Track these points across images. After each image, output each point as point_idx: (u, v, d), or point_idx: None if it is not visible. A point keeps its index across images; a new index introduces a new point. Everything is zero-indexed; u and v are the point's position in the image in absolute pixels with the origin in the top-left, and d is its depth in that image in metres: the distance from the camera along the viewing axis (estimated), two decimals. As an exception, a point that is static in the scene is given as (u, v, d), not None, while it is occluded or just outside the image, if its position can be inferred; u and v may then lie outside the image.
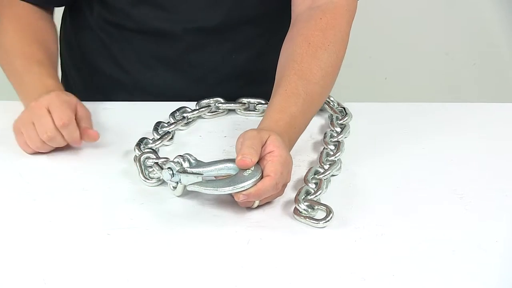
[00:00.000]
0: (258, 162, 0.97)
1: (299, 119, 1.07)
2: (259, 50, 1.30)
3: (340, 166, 1.07)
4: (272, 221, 0.97)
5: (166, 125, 1.16)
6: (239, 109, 1.24)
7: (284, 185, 1.00)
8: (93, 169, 1.08)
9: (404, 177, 1.07)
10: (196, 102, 1.23)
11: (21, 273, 0.86)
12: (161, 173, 0.99)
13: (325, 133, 1.14)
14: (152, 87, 1.31)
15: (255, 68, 1.31)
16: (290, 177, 1.00)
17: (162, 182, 1.03)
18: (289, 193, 1.01)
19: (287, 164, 0.97)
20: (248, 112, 1.24)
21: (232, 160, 0.97)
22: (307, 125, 1.10)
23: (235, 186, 0.94)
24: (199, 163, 0.99)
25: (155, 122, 1.16)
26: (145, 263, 0.88)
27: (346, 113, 1.20)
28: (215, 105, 1.23)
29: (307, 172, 1.04)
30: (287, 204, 1.00)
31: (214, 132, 1.19)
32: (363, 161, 1.10)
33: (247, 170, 0.95)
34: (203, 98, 1.24)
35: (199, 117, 1.22)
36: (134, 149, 1.09)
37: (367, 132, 1.19)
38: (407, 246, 0.92)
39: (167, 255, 0.90)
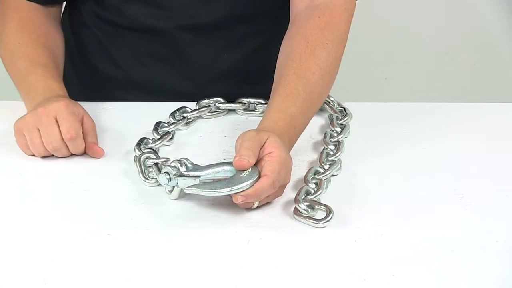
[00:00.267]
0: (256, 163, 0.96)
1: (299, 119, 1.07)
2: (252, 49, 1.30)
3: (340, 166, 1.07)
4: (272, 221, 0.97)
5: (166, 125, 1.16)
6: (239, 109, 1.24)
7: (283, 186, 0.99)
8: (93, 169, 1.08)
9: (404, 177, 1.07)
10: (196, 102, 1.23)
11: (21, 273, 0.86)
12: (158, 178, 0.99)
13: (325, 133, 1.14)
14: (146, 84, 1.32)
15: (249, 66, 1.31)
16: (289, 178, 1.00)
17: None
18: (289, 193, 1.01)
19: (286, 164, 0.97)
20: (248, 112, 1.24)
21: (229, 163, 0.97)
22: (307, 124, 1.10)
23: (232, 187, 0.94)
24: (196, 167, 0.98)
25: (155, 122, 1.16)
26: (145, 263, 0.88)
27: (346, 113, 1.20)
28: (215, 105, 1.23)
29: (307, 172, 1.04)
30: (287, 204, 1.00)
31: (214, 132, 1.19)
32: (363, 161, 1.10)
33: (244, 172, 0.95)
34: (197, 95, 1.24)
35: (199, 117, 1.22)
36: (134, 149, 1.09)
37: (367, 132, 1.19)
38: (407, 246, 0.92)
39: (167, 255, 0.90)
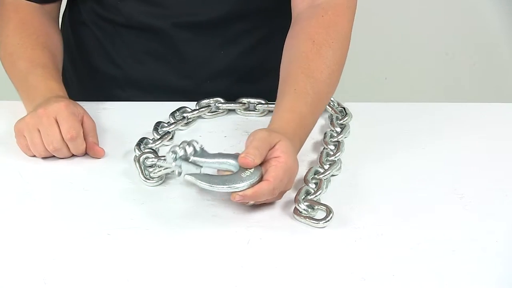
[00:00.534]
0: (261, 165, 0.96)
1: (309, 119, 1.07)
2: (248, 46, 1.30)
3: (340, 166, 1.07)
4: (272, 221, 0.97)
5: (166, 125, 1.16)
6: (239, 109, 1.24)
7: (283, 192, 0.99)
8: (93, 169, 1.08)
9: (404, 177, 1.07)
10: (196, 102, 1.23)
11: (21, 273, 0.86)
12: (166, 156, 0.98)
13: (325, 133, 1.14)
14: (143, 82, 1.32)
15: (246, 64, 1.31)
16: (291, 185, 0.99)
17: (161, 182, 1.03)
18: (289, 193, 1.01)
19: (291, 172, 0.97)
20: (248, 112, 1.24)
21: (235, 157, 0.97)
22: (315, 124, 1.10)
23: (229, 186, 0.94)
24: (203, 153, 0.98)
25: (155, 122, 1.16)
26: (145, 263, 0.88)
27: (346, 113, 1.20)
28: (215, 105, 1.23)
29: (307, 172, 1.04)
30: (287, 204, 1.00)
31: (214, 132, 1.19)
32: (363, 161, 1.10)
33: (246, 171, 0.95)
34: (195, 93, 1.25)
35: (199, 117, 1.22)
36: (134, 149, 1.09)
37: (367, 132, 1.19)
38: (407, 246, 0.92)
39: (167, 255, 0.90)
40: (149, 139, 1.12)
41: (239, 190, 0.93)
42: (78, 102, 1.13)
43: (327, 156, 1.08)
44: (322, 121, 1.22)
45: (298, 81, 1.08)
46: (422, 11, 2.47)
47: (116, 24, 1.29)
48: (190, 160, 0.96)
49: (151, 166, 1.05)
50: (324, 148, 1.11)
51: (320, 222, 0.95)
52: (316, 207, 0.97)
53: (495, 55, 2.53)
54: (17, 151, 1.10)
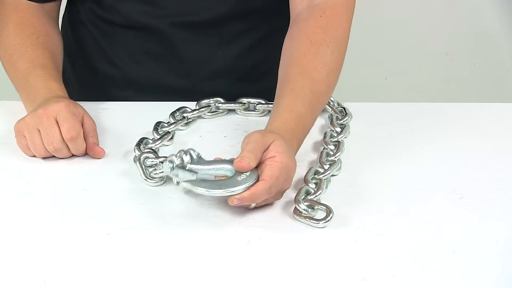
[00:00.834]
0: (257, 167, 0.96)
1: (307, 119, 1.07)
2: (247, 46, 1.30)
3: (340, 166, 1.07)
4: (272, 221, 0.97)
5: (166, 125, 1.16)
6: (239, 109, 1.24)
7: (281, 192, 0.99)
8: (93, 169, 1.08)
9: (404, 177, 1.07)
10: (196, 102, 1.23)
11: (21, 273, 0.86)
12: (162, 166, 0.99)
13: (325, 133, 1.14)
14: (142, 82, 1.32)
15: (245, 64, 1.31)
16: (289, 184, 0.99)
17: (162, 182, 1.03)
18: (289, 193, 1.01)
19: (287, 171, 0.97)
20: (248, 112, 1.24)
21: (231, 162, 0.97)
22: (313, 124, 1.10)
23: (226, 189, 0.93)
24: (200, 160, 0.98)
25: (155, 122, 1.16)
26: (145, 263, 0.88)
27: (346, 113, 1.20)
28: (215, 105, 1.23)
29: (307, 172, 1.04)
30: (287, 204, 1.00)
31: (214, 132, 1.19)
32: (363, 161, 1.10)
33: (242, 175, 0.95)
34: (193, 93, 1.25)
35: (199, 117, 1.22)
36: (134, 149, 1.09)
37: (367, 132, 1.19)
38: (407, 246, 0.92)
39: (167, 255, 0.90)
40: (149, 139, 1.12)
41: (235, 193, 0.93)
42: (78, 102, 1.13)
43: (327, 156, 1.08)
44: (322, 121, 1.22)
45: (295, 81, 1.08)
46: (422, 11, 2.47)
47: (114, 24, 1.30)
48: (187, 168, 0.96)
49: (150, 166, 1.05)
50: (324, 148, 1.11)
51: (320, 222, 0.95)
52: (316, 207, 0.97)
53: (495, 55, 2.53)
54: (17, 151, 1.10)
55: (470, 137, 1.19)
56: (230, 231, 0.94)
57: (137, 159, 1.06)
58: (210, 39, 1.28)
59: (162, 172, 1.02)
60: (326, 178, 1.03)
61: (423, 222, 0.97)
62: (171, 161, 0.96)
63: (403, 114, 1.26)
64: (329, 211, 0.96)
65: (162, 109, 1.20)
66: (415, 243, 0.92)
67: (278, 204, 0.99)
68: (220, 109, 1.24)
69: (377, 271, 0.87)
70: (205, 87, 1.29)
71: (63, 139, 1.07)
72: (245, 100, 1.23)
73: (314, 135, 1.17)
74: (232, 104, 1.24)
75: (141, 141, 1.11)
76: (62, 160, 1.09)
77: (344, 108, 1.21)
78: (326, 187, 1.02)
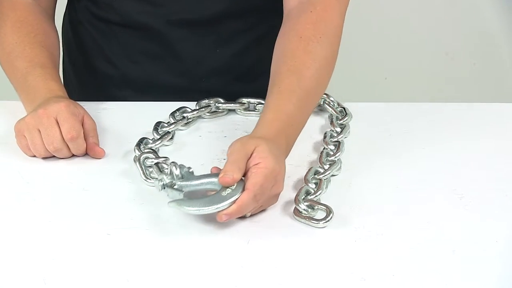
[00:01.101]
0: (244, 176, 0.94)
1: (297, 116, 1.06)
2: (244, 45, 1.30)
3: (340, 166, 1.07)
4: (272, 221, 0.97)
5: (166, 125, 1.16)
6: (239, 109, 1.24)
7: (273, 195, 0.97)
8: (93, 169, 1.08)
9: (404, 177, 1.07)
10: (196, 102, 1.23)
11: (21, 273, 0.86)
12: (154, 183, 0.98)
13: (325, 133, 1.14)
14: (139, 81, 1.32)
15: (243, 63, 1.31)
16: (281, 187, 0.97)
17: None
18: (289, 193, 1.01)
19: (274, 175, 0.95)
20: (248, 112, 1.24)
21: (217, 176, 0.95)
22: (306, 121, 1.09)
23: (211, 206, 0.92)
24: (189, 176, 0.97)
25: (155, 122, 1.16)
26: (145, 263, 0.88)
27: (346, 113, 1.20)
28: (215, 105, 1.23)
29: (307, 172, 1.04)
30: (287, 204, 1.00)
31: (214, 132, 1.19)
32: (363, 161, 1.10)
33: (227, 189, 0.93)
34: (191, 92, 1.25)
35: (199, 117, 1.22)
36: (134, 149, 1.09)
37: (367, 132, 1.19)
38: (407, 246, 0.92)
39: (167, 255, 0.90)
40: (149, 139, 1.12)
41: (221, 209, 0.92)
42: (78, 102, 1.13)
43: (327, 156, 1.08)
44: (322, 121, 1.22)
45: (283, 79, 1.07)
46: (422, 11, 2.47)
47: (111, 23, 1.30)
48: (175, 187, 0.96)
49: (150, 167, 1.05)
50: (324, 148, 1.11)
51: (320, 222, 0.95)
52: (316, 207, 0.97)
53: (495, 55, 2.53)
54: (17, 151, 1.10)
55: (470, 137, 1.18)
56: (230, 231, 0.94)
57: (137, 159, 1.06)
58: (208, 37, 1.28)
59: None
60: (326, 178, 1.03)
61: (423, 222, 0.97)
62: (161, 180, 0.96)
63: (403, 114, 1.26)
64: (329, 211, 0.95)
65: (162, 109, 1.20)
66: (415, 243, 0.92)
67: (278, 204, 0.99)
68: (220, 109, 1.24)
69: (377, 271, 0.87)
70: (202, 86, 1.28)
71: (63, 139, 1.07)
72: (245, 100, 1.23)
73: (314, 135, 1.17)
74: (232, 104, 1.24)
75: (141, 141, 1.11)
76: (62, 160, 1.10)
77: (344, 108, 1.21)
78: (326, 187, 1.02)
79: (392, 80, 2.55)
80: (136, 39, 1.29)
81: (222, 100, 1.24)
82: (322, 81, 1.11)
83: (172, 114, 1.19)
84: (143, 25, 1.27)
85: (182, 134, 1.18)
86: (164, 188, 0.96)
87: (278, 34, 1.15)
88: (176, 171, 0.97)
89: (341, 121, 1.18)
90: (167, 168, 0.98)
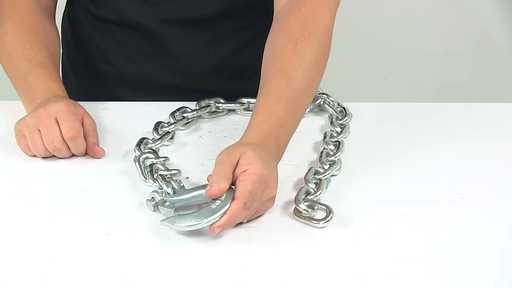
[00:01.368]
0: (233, 185, 0.94)
1: (287, 118, 1.04)
2: (240, 44, 1.30)
3: (340, 166, 1.07)
4: (272, 221, 0.96)
5: (166, 125, 1.16)
6: (239, 109, 1.24)
7: (267, 200, 0.96)
8: (93, 169, 1.08)
9: (404, 177, 1.07)
10: (196, 102, 1.23)
11: (21, 273, 0.86)
12: (146, 204, 0.98)
13: (325, 133, 1.14)
14: (135, 80, 1.32)
15: (238, 62, 1.31)
16: (274, 190, 0.96)
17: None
18: (289, 193, 1.01)
19: (263, 180, 0.93)
20: (248, 112, 1.24)
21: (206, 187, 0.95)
22: (299, 121, 1.08)
23: (201, 221, 0.91)
24: (181, 191, 0.97)
25: (155, 122, 1.16)
26: (145, 263, 0.88)
27: (346, 113, 1.20)
28: (215, 105, 1.23)
29: (307, 172, 1.04)
30: (287, 204, 1.00)
31: (214, 132, 1.19)
32: (363, 161, 1.10)
33: (217, 201, 0.92)
34: (186, 91, 1.25)
35: (199, 117, 1.22)
36: (134, 150, 1.09)
37: (367, 132, 1.19)
38: (407, 246, 0.92)
39: (167, 255, 0.90)
40: (149, 139, 1.12)
41: (212, 222, 0.91)
42: (78, 102, 1.13)
43: (327, 156, 1.08)
44: (322, 121, 1.22)
45: (272, 80, 1.06)
46: (422, 11, 2.47)
47: (107, 22, 1.30)
48: (166, 204, 0.96)
49: (151, 167, 1.04)
50: (324, 148, 1.11)
51: (320, 222, 0.95)
52: (316, 207, 0.97)
53: (495, 55, 2.53)
54: (17, 151, 1.10)
55: (470, 137, 1.18)
56: (230, 231, 0.94)
57: (137, 159, 1.06)
58: (202, 36, 1.28)
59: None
60: (326, 178, 1.03)
61: (423, 222, 0.97)
62: (153, 199, 0.96)
63: (403, 114, 1.26)
64: (329, 211, 0.95)
65: (162, 109, 1.20)
66: (415, 243, 0.92)
67: (278, 204, 0.99)
68: (220, 109, 1.24)
69: (377, 271, 0.87)
70: (198, 85, 1.28)
71: (63, 138, 1.07)
72: (245, 100, 1.23)
73: (314, 135, 1.17)
74: (232, 104, 1.24)
75: (141, 141, 1.11)
76: (62, 160, 1.10)
77: (344, 108, 1.21)
78: (326, 187, 1.02)
79: (392, 80, 2.55)
80: (133, 38, 1.29)
81: (222, 100, 1.24)
82: (313, 80, 1.09)
83: (172, 114, 1.19)
84: (139, 24, 1.27)
85: (182, 134, 1.18)
86: (157, 207, 0.96)
87: (269, 33, 1.14)
88: (168, 189, 0.97)
89: (341, 121, 1.18)
90: (159, 189, 0.98)
